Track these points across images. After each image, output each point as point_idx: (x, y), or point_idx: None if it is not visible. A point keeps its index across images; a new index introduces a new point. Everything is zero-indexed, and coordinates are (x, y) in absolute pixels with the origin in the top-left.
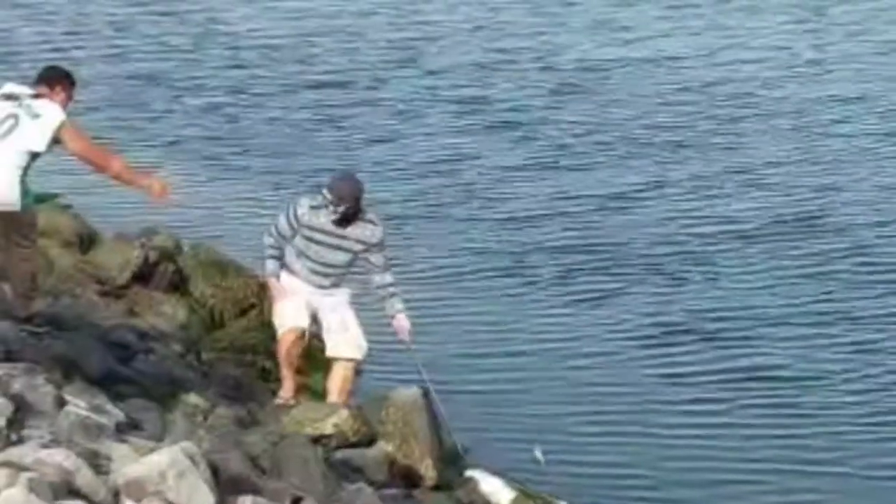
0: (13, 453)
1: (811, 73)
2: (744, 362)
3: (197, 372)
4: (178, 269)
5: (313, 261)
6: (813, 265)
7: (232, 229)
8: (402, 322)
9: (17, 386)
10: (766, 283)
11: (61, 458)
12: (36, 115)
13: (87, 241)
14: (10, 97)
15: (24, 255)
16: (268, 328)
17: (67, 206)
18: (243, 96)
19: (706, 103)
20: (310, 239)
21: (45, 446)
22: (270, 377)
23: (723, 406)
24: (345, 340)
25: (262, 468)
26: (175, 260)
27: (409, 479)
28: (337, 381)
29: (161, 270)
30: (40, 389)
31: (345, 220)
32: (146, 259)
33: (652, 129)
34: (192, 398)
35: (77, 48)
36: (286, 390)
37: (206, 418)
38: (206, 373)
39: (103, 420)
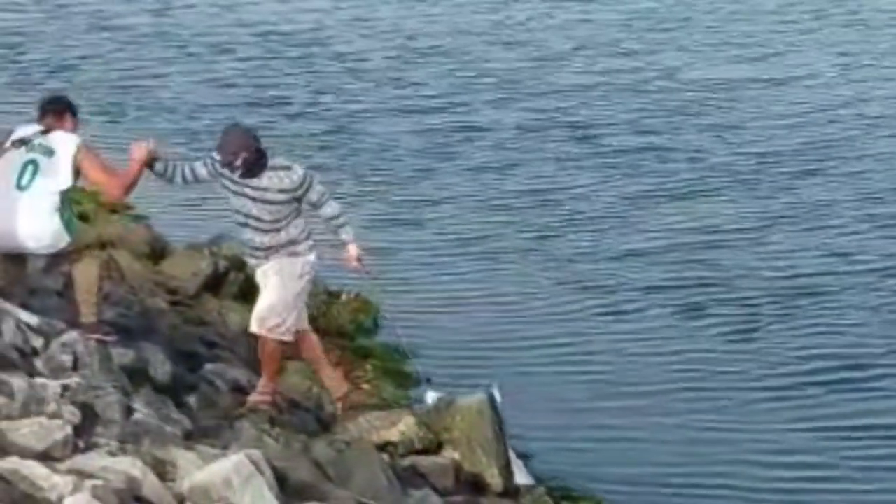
0: (80, 461)
1: None
2: (880, 405)
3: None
4: (248, 278)
5: (245, 215)
6: None
7: None
8: (353, 251)
9: (85, 394)
10: None
11: (127, 465)
12: (51, 152)
13: (158, 251)
14: (21, 142)
15: (83, 267)
16: (335, 338)
17: (141, 218)
18: (342, 118)
19: (836, 126)
20: (235, 192)
21: (111, 454)
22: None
23: (855, 454)
24: (254, 317)
25: (328, 475)
26: (244, 269)
27: (475, 485)
28: (260, 353)
29: (230, 279)
30: (108, 398)
31: (248, 172)
32: (215, 268)
33: (776, 154)
34: (259, 406)
35: (179, 73)
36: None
37: (273, 426)
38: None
39: (170, 428)
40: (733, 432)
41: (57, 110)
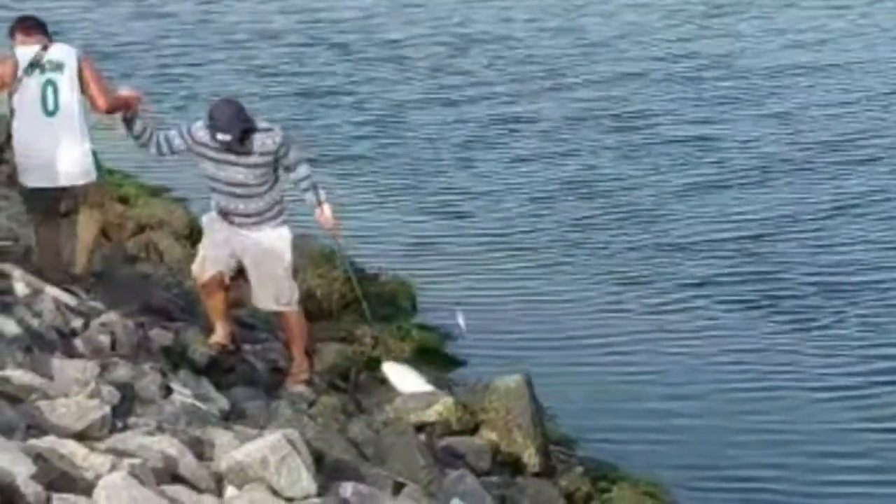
0: (117, 440)
1: None
2: None
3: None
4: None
5: (229, 184)
6: None
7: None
8: (326, 213)
9: (124, 374)
10: None
11: (165, 444)
12: (61, 66)
13: (197, 233)
14: (33, 66)
15: (89, 221)
16: (375, 318)
17: (180, 200)
18: (384, 108)
19: (891, 112)
20: (214, 160)
21: (150, 433)
22: (377, 367)
23: None
24: (260, 298)
25: (365, 455)
26: None
27: (513, 466)
28: (286, 331)
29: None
30: (147, 378)
31: (240, 143)
32: None
33: (832, 143)
34: (297, 387)
35: (222, 61)
36: (217, 335)
37: (310, 406)
38: (312, 362)
39: (208, 408)
40: (780, 423)
41: (40, 24)
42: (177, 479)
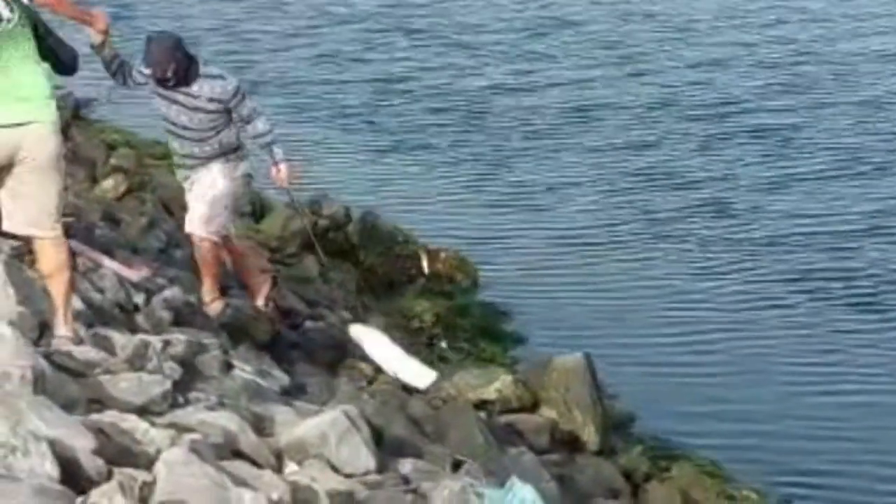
0: (178, 415)
1: None
2: None
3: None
4: (347, 237)
5: (174, 124)
6: None
7: (402, 200)
8: (283, 170)
9: (185, 350)
10: None
11: (225, 420)
12: None
13: (258, 210)
14: None
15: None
16: (434, 296)
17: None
18: (459, 95)
19: None
20: (165, 99)
21: (210, 409)
22: (437, 344)
23: None
24: (188, 219)
25: (424, 432)
26: (344, 228)
27: (571, 444)
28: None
29: (330, 238)
30: (208, 354)
31: (180, 81)
32: (316, 227)
33: None
34: (358, 363)
35: (296, 46)
36: (205, 292)
37: (370, 383)
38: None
39: (268, 384)
40: (841, 411)
41: None
42: (237, 454)
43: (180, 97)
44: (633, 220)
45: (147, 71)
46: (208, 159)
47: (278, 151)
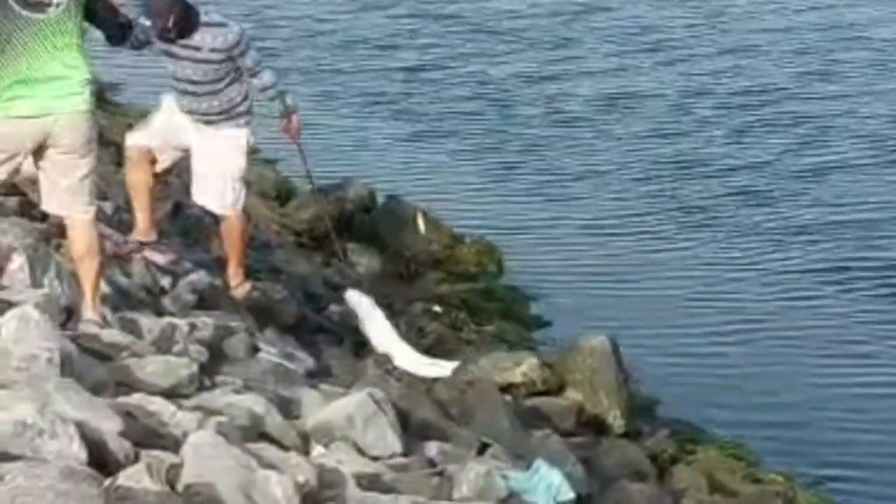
0: (205, 398)
1: None
2: None
3: (389, 322)
4: (373, 221)
5: (179, 79)
6: None
7: (431, 187)
8: (295, 121)
9: (211, 333)
10: None
11: (252, 402)
12: None
13: (284, 194)
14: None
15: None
16: (461, 279)
17: (270, 161)
18: (492, 83)
19: None
20: (169, 54)
21: (237, 392)
22: (464, 328)
23: None
24: (201, 191)
25: (450, 415)
26: (370, 212)
27: (597, 427)
28: (223, 233)
29: (356, 222)
30: (234, 337)
31: (181, 32)
32: (341, 211)
33: None
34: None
35: (327, 32)
36: (137, 229)
37: (396, 366)
38: (398, 323)
39: (294, 367)
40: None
41: None
42: (263, 437)
43: (184, 51)
44: (662, 208)
45: (147, 23)
46: (217, 115)
47: (290, 102)
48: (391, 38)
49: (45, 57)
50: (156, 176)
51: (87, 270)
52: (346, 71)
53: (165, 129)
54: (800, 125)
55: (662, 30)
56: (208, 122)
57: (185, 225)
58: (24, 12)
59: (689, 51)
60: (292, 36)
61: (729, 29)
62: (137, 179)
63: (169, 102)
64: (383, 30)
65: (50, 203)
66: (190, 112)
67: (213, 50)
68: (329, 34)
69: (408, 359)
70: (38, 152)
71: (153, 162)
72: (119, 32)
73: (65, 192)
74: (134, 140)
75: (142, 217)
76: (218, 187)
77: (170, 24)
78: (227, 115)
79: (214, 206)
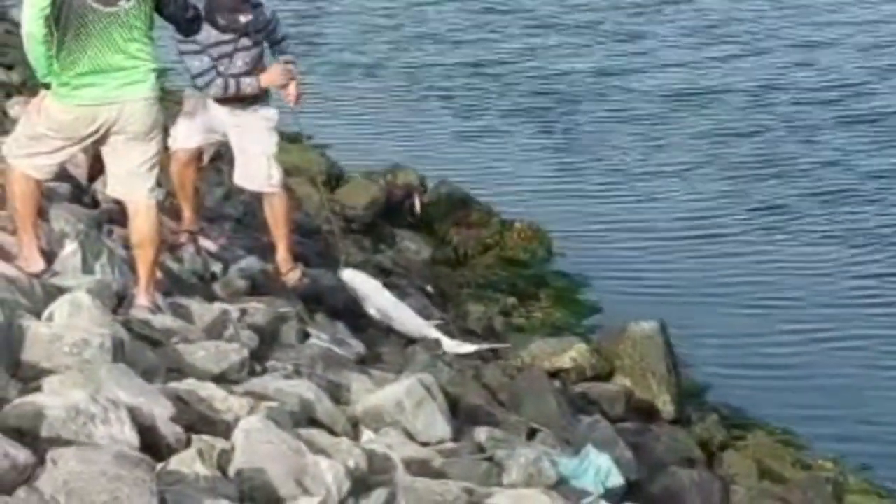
0: (256, 383)
1: None
2: None
3: (438, 307)
4: (423, 207)
5: (225, 69)
6: None
7: (495, 181)
8: (292, 89)
9: (262, 318)
10: None
11: (302, 388)
12: None
13: (334, 179)
14: None
15: None
16: (510, 265)
17: (319, 146)
18: (556, 78)
19: None
20: (225, 44)
21: (287, 377)
22: (513, 313)
23: None
24: (246, 173)
25: (499, 401)
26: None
27: (646, 412)
28: (269, 216)
29: (406, 208)
30: (285, 323)
31: (233, 17)
32: (391, 196)
33: None
34: (433, 332)
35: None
36: (184, 220)
37: (446, 352)
38: (448, 308)
39: (345, 352)
40: None
41: None
42: (313, 422)
43: (242, 40)
44: (732, 207)
45: (223, 22)
46: (254, 98)
47: (295, 70)
48: (458, 34)
49: (113, 48)
50: (200, 169)
51: (145, 257)
52: (412, 65)
53: (206, 126)
54: (879, 122)
55: (735, 22)
56: (245, 106)
57: (236, 211)
58: (96, 5)
59: (764, 44)
60: (358, 31)
61: (805, 22)
62: (186, 177)
63: (197, 97)
64: (450, 25)
65: (115, 188)
66: (232, 99)
67: (257, 31)
68: (394, 29)
69: (418, 325)
70: (103, 138)
71: (200, 158)
72: (189, 26)
73: (130, 177)
74: (180, 143)
75: (188, 208)
76: (263, 167)
77: (250, 17)
78: (261, 96)
79: (259, 186)
